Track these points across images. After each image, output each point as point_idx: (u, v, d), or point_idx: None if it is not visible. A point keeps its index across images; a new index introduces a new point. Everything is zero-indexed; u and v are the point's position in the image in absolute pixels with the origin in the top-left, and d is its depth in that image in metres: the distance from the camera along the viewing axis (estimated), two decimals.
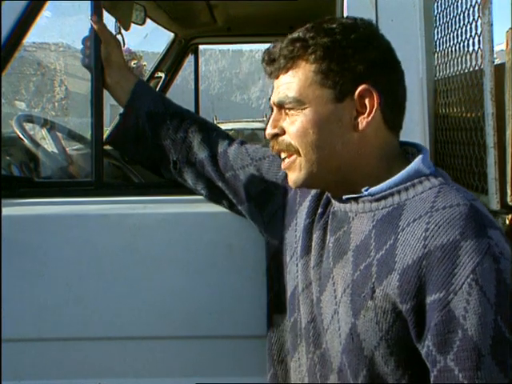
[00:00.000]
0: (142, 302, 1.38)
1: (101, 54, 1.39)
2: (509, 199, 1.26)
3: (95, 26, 1.39)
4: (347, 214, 1.02)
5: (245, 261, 1.35)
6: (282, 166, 1.05)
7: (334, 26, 0.99)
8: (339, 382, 0.98)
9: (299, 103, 0.98)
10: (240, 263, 1.36)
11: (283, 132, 1.01)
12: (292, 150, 1.00)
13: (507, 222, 1.22)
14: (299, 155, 0.99)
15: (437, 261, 0.85)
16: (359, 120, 0.97)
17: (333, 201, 1.06)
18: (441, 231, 0.87)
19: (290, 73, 0.99)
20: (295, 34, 0.99)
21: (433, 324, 0.85)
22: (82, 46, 1.43)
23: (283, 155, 1.03)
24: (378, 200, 0.97)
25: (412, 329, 0.88)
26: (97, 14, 1.40)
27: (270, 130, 1.03)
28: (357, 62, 0.96)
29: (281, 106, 1.01)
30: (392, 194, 0.96)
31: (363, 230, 0.98)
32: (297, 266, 1.11)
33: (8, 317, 1.30)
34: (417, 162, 0.98)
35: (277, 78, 1.02)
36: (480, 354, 0.82)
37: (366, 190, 0.98)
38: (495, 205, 1.24)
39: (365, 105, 0.97)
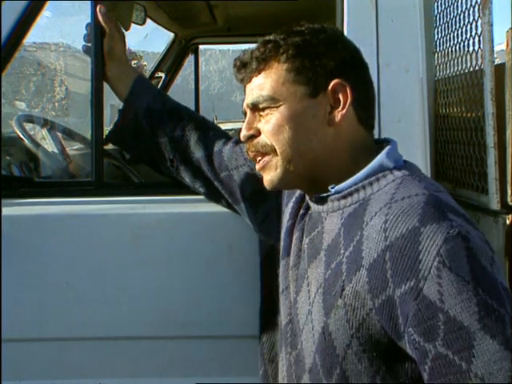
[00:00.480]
0: (141, 302, 1.38)
1: (103, 46, 1.37)
2: (509, 199, 1.26)
3: (100, 17, 1.37)
4: (320, 214, 1.02)
5: (245, 261, 1.35)
6: (257, 167, 1.04)
7: (303, 28, 1.02)
8: (311, 382, 0.97)
9: (273, 101, 0.98)
10: (240, 263, 1.36)
11: (258, 133, 1.01)
12: (268, 150, 1.00)
13: (507, 222, 1.22)
14: (275, 154, 0.99)
15: (399, 251, 0.84)
16: (334, 114, 0.99)
17: (309, 202, 1.06)
18: (399, 221, 0.86)
19: (263, 74, 1.00)
20: (266, 38, 1.01)
21: (411, 315, 0.83)
22: (85, 32, 1.41)
23: (258, 158, 1.03)
24: (345, 197, 0.98)
25: (387, 324, 0.86)
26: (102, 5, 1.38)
27: (244, 133, 1.02)
28: (328, 58, 0.98)
29: (255, 106, 1.01)
30: (357, 190, 0.96)
31: (333, 228, 0.98)
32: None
33: (8, 317, 1.30)
34: (381, 156, 0.98)
35: (249, 81, 1.02)
36: (469, 331, 0.79)
37: (333, 188, 0.99)
38: (495, 205, 1.24)
39: (338, 99, 0.99)
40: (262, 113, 1.01)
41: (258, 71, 1.00)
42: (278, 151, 0.99)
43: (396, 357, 0.88)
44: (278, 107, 0.98)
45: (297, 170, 0.99)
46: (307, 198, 1.07)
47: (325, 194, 1.00)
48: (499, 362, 0.78)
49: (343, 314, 0.91)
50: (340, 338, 0.91)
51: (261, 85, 1.00)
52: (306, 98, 0.98)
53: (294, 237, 1.08)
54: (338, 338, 0.92)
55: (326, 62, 0.98)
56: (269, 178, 1.02)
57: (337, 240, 0.96)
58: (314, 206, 1.04)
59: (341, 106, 0.98)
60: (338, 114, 0.98)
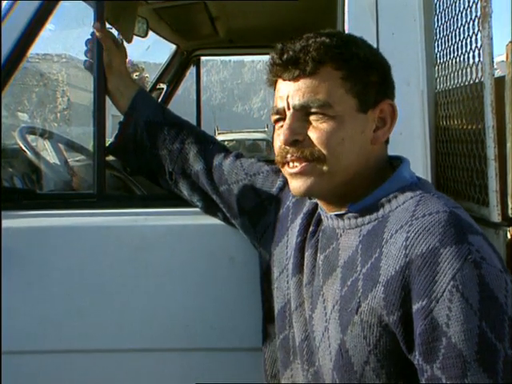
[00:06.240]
0: (143, 314, 1.38)
1: (103, 60, 1.38)
2: (510, 211, 1.26)
3: (97, 33, 1.38)
4: (335, 230, 1.02)
5: (246, 274, 1.35)
6: (291, 171, 0.98)
7: (354, 37, 1.01)
8: None
9: (328, 108, 0.94)
10: (242, 276, 1.36)
11: (304, 139, 0.96)
12: (315, 158, 0.95)
13: (509, 234, 1.22)
14: (321, 163, 0.96)
15: (418, 269, 0.85)
16: (378, 133, 0.99)
17: (322, 218, 1.06)
18: (420, 239, 0.86)
19: (317, 76, 0.95)
20: (320, 39, 0.96)
21: (417, 333, 0.85)
22: (85, 48, 1.43)
23: (296, 163, 0.97)
24: (363, 215, 0.97)
25: (401, 340, 0.87)
26: (100, 20, 1.39)
27: (290, 137, 0.96)
28: (377, 75, 0.99)
29: (304, 109, 0.96)
30: (376, 208, 0.96)
31: (350, 245, 0.97)
32: (287, 283, 1.11)
33: (9, 329, 1.29)
34: (397, 174, 0.99)
35: (295, 80, 0.96)
36: (465, 361, 0.81)
37: (351, 206, 0.98)
38: (496, 217, 1.24)
39: (384, 119, 0.99)
40: (311, 117, 0.96)
41: (312, 73, 0.95)
42: (327, 161, 0.95)
43: (414, 371, 0.88)
44: (331, 116, 0.95)
45: (337, 181, 0.97)
46: (322, 214, 1.06)
47: (342, 212, 1.00)
48: None
49: (360, 330, 0.91)
50: (357, 354, 0.91)
51: (314, 87, 0.95)
52: (357, 111, 0.97)
53: (307, 253, 1.07)
54: (355, 354, 0.92)
55: (376, 79, 0.98)
56: (305, 183, 0.97)
57: (354, 257, 0.96)
58: (328, 223, 1.03)
59: (387, 127, 0.99)
60: (382, 134, 0.99)
